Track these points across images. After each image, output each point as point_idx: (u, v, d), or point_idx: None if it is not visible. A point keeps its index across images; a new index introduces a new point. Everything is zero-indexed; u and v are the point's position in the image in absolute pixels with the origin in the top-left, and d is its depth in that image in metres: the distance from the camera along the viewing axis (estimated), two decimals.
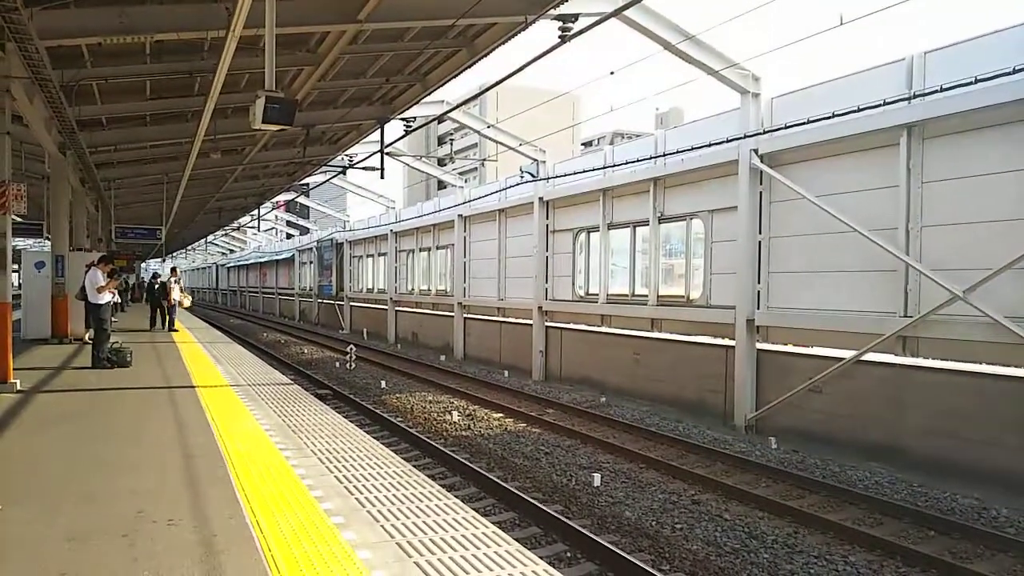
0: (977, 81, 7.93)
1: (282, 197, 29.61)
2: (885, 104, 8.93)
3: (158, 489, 4.54)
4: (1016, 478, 7.81)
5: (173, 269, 20.27)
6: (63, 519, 4.01)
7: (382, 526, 3.93)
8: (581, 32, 8.71)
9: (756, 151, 10.85)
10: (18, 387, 8.13)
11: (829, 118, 9.53)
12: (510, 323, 18.49)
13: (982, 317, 8.06)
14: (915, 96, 8.75)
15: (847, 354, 9.64)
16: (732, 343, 11.41)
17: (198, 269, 76.51)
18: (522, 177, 17.20)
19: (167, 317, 17.40)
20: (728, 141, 11.16)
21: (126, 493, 4.46)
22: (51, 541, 3.68)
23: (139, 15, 7.54)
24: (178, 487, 4.58)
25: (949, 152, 8.68)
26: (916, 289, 8.94)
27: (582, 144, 62.57)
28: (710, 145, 11.49)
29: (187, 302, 19.83)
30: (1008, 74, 7.67)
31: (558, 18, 8.85)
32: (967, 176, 8.48)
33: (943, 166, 8.73)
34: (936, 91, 8.42)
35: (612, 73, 11.28)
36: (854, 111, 9.21)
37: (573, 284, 15.95)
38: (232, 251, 57.19)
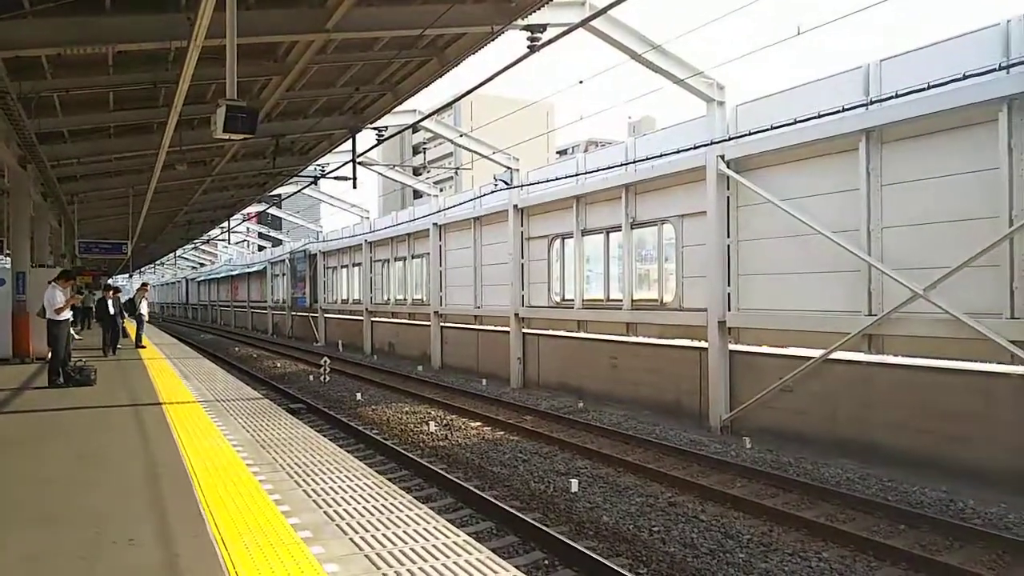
0: (930, 87, 8.17)
1: (253, 209, 29.26)
2: (844, 110, 9.15)
3: (119, 509, 4.43)
4: (981, 470, 8.02)
5: (143, 284, 19.91)
6: (17, 542, 3.89)
7: (351, 539, 3.88)
8: (549, 42, 8.80)
9: (723, 157, 11.02)
10: None
11: (791, 124, 9.73)
12: (487, 331, 18.46)
13: (942, 314, 8.26)
14: (872, 102, 8.99)
15: (816, 353, 9.80)
16: (705, 345, 11.53)
17: (167, 284, 75.17)
18: (496, 185, 17.25)
19: (116, 339, 15.74)
20: (695, 148, 11.33)
21: (86, 513, 4.35)
22: (2, 567, 3.56)
23: (100, 25, 7.37)
24: (140, 506, 4.48)
25: (906, 155, 8.91)
26: (879, 288, 9.13)
27: (557, 152, 63.02)
28: (678, 152, 11.65)
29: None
30: (959, 80, 7.92)
31: (526, 28, 8.92)
32: (924, 178, 8.72)
33: (901, 169, 8.96)
34: (892, 97, 8.64)
35: (581, 82, 11.41)
36: (814, 117, 9.43)
37: (549, 290, 16.00)
38: (202, 265, 56.31)
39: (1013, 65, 7.64)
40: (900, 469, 8.61)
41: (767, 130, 10.13)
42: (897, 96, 8.55)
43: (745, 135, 10.61)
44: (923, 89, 8.24)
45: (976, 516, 7.11)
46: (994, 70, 7.72)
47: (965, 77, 7.87)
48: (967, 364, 8.46)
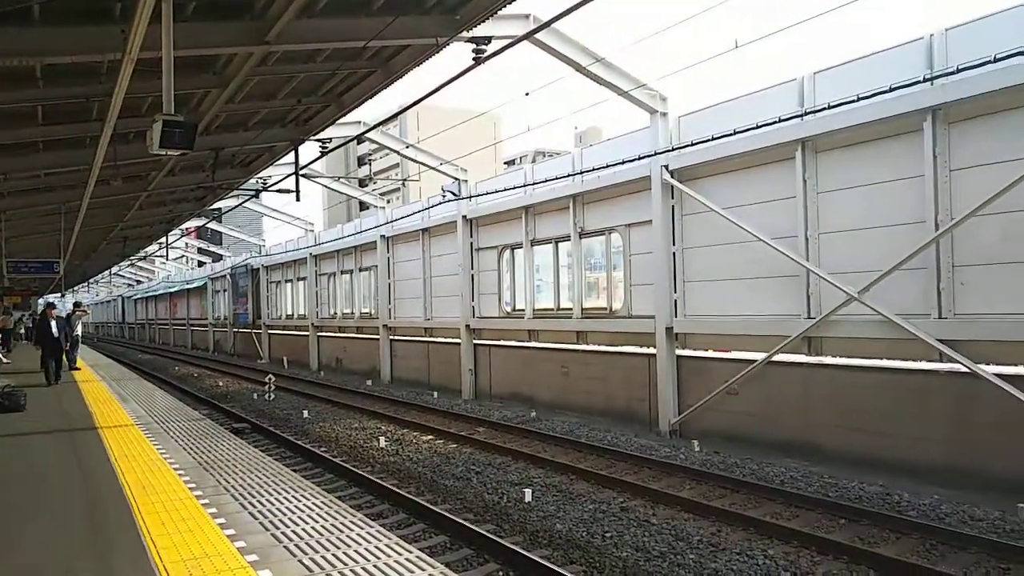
0: (859, 99, 8.56)
1: (192, 223, 28.36)
2: (780, 121, 9.50)
3: (54, 540, 4.23)
4: (915, 464, 8.40)
5: (76, 303, 19.02)
6: None
7: (300, 560, 3.79)
8: (495, 54, 8.82)
9: (667, 167, 11.28)
10: None
11: (731, 135, 10.04)
12: (438, 343, 18.33)
13: (876, 315, 8.63)
14: (807, 113, 9.36)
15: (759, 356, 10.09)
16: (654, 351, 11.73)
17: (102, 303, 72.10)
18: (444, 196, 17.21)
19: (60, 365, 14.28)
20: (640, 158, 11.57)
21: (19, 545, 4.14)
22: None
23: (27, 37, 6.98)
24: (78, 536, 4.28)
25: (840, 164, 9.30)
26: (817, 292, 9.48)
27: (505, 163, 63.42)
28: (624, 162, 11.87)
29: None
30: (886, 92, 8.33)
31: (471, 40, 8.94)
32: (857, 186, 9.11)
33: (834, 177, 9.34)
34: (824, 108, 9.02)
35: (527, 94, 11.51)
36: (753, 128, 9.76)
37: (500, 301, 16.01)
38: (139, 282, 54.23)
39: (936, 77, 8.08)
40: (840, 466, 8.92)
41: (708, 140, 10.43)
42: (829, 107, 8.93)
43: (688, 146, 10.90)
44: (853, 101, 8.63)
45: (911, 508, 7.41)
46: (919, 82, 8.15)
47: (892, 89, 8.27)
48: (900, 363, 8.85)
